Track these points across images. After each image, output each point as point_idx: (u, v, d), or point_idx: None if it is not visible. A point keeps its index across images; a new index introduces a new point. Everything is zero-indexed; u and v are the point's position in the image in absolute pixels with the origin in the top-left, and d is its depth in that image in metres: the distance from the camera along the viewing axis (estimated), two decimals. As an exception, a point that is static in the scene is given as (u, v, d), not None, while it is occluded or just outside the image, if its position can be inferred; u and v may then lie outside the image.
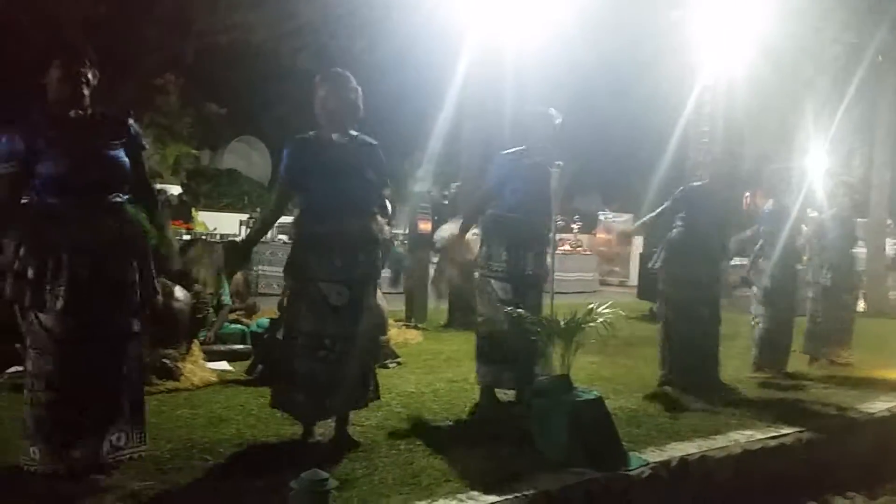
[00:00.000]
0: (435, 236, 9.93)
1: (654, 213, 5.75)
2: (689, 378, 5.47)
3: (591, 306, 4.05)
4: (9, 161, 3.09)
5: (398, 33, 14.17)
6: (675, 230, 5.74)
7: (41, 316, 3.04)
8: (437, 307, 8.76)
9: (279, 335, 5.03)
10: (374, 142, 3.88)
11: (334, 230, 3.67)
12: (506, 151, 4.79)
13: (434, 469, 3.56)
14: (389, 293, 8.20)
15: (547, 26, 9.38)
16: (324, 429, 3.95)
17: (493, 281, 4.65)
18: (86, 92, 3.15)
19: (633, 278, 16.44)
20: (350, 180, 3.71)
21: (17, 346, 5.07)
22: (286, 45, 17.98)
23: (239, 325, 6.35)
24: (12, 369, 5.05)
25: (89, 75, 3.15)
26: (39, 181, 3.08)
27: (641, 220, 5.78)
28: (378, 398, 4.10)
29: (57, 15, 15.89)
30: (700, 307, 5.59)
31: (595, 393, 4.04)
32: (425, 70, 13.23)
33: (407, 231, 10.36)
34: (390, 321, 6.95)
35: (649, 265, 5.90)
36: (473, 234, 4.96)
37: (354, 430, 4.07)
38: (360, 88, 3.80)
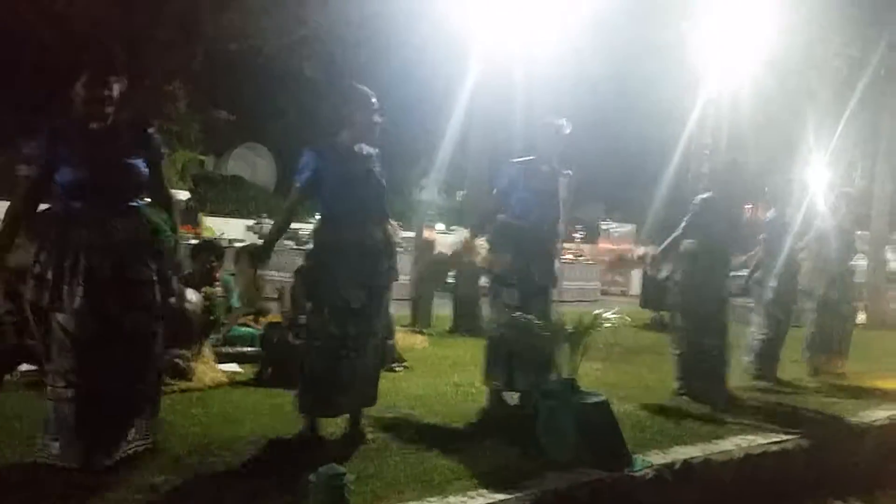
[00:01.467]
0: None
1: (675, 234, 5.78)
2: (701, 386, 5.57)
3: (597, 312, 4.14)
4: (32, 164, 3.21)
5: (406, 43, 14.33)
6: (686, 242, 5.81)
7: (59, 316, 3.15)
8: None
9: (291, 339, 5.18)
10: (377, 153, 4.07)
11: (357, 237, 3.82)
12: (515, 160, 4.89)
13: (444, 468, 3.65)
14: (394, 299, 8.28)
15: (554, 38, 9.53)
16: (333, 427, 4.06)
17: (501, 287, 4.75)
18: (112, 103, 3.26)
19: (635, 288, 16.52)
20: (370, 189, 3.92)
21: (31, 342, 5.20)
22: (294, 53, 18.14)
23: (248, 328, 6.44)
24: (24, 367, 5.16)
25: (116, 88, 3.27)
26: (60, 186, 3.20)
27: (663, 247, 5.79)
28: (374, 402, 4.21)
29: (69, 21, 16.08)
30: (714, 316, 5.69)
31: (601, 396, 4.13)
32: (432, 79, 13.38)
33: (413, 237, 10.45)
34: (396, 326, 7.02)
35: (660, 277, 5.96)
36: (481, 241, 5.04)
37: (366, 430, 4.16)
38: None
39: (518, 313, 4.52)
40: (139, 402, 3.34)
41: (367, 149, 4.01)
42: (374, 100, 3.97)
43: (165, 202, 3.53)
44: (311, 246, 4.12)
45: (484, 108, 9.36)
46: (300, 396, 3.95)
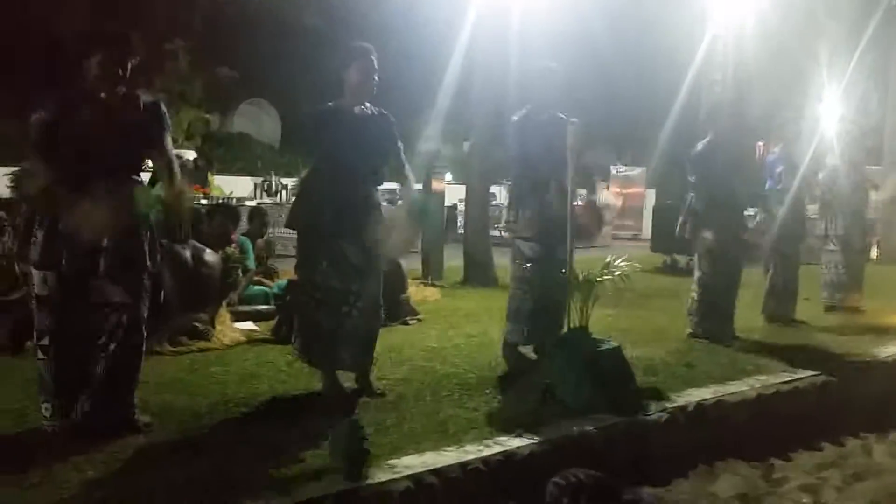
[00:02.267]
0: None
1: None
2: (712, 326, 5.63)
3: (607, 260, 4.15)
4: (41, 114, 3.19)
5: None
6: (692, 195, 5.83)
7: (44, 274, 3.19)
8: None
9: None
10: (387, 113, 4.06)
11: (352, 194, 3.83)
12: (514, 116, 4.86)
13: (460, 418, 3.72)
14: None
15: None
16: (348, 381, 4.13)
17: (519, 241, 4.74)
18: (123, 79, 3.24)
19: (646, 232, 16.50)
20: (367, 149, 3.91)
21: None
22: (292, 4, 17.90)
23: (262, 287, 6.51)
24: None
25: (129, 63, 3.25)
26: (60, 154, 3.17)
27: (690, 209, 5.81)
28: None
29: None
30: (732, 259, 5.74)
31: (613, 342, 4.17)
32: (431, 26, 13.17)
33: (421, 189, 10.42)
34: (408, 279, 7.06)
35: (676, 234, 5.98)
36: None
37: (381, 383, 4.24)
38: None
39: (531, 265, 4.53)
40: (125, 367, 3.32)
41: (369, 109, 3.99)
42: (373, 57, 3.93)
43: (167, 171, 3.39)
44: (299, 198, 4.13)
45: (484, 55, 9.23)
46: (307, 348, 3.99)
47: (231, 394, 4.01)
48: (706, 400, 4.22)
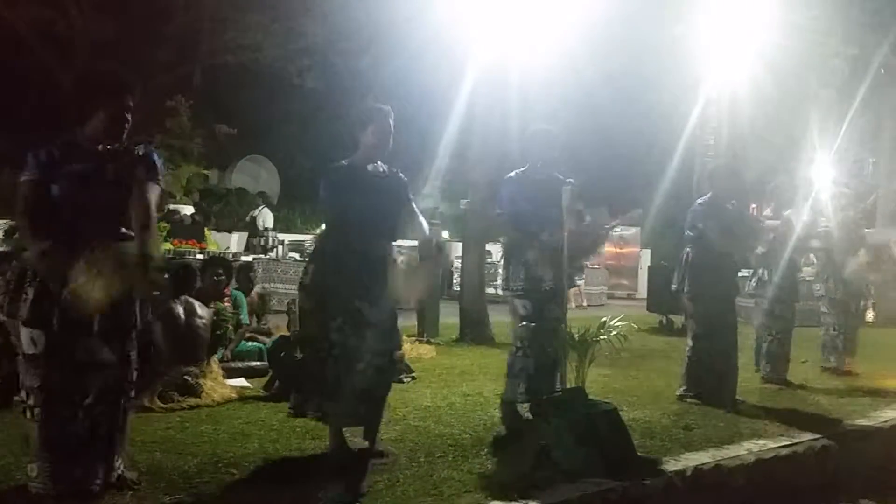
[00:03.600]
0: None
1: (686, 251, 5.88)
2: (709, 389, 5.58)
3: (603, 319, 4.14)
4: (31, 172, 3.14)
5: (404, 50, 14.38)
6: (688, 249, 5.85)
7: (33, 333, 3.10)
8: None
9: (298, 353, 5.19)
10: (401, 174, 4.10)
11: (367, 252, 3.83)
12: (511, 173, 4.93)
13: (454, 480, 3.64)
14: (400, 309, 8.29)
15: (552, 44, 9.54)
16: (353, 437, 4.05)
17: (514, 299, 4.75)
18: (124, 133, 3.22)
19: (641, 291, 16.52)
20: (382, 207, 3.91)
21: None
22: (294, 65, 18.24)
23: (255, 343, 6.45)
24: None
25: (131, 116, 3.23)
26: (54, 214, 3.11)
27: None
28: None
29: (68, 37, 16.20)
30: (724, 319, 5.71)
31: (610, 404, 4.12)
32: (432, 87, 13.40)
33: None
34: (403, 336, 7.03)
35: (672, 288, 5.99)
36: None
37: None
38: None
39: (529, 324, 4.52)
40: (102, 431, 3.21)
41: (381, 167, 4.03)
42: (391, 119, 3.98)
43: (142, 223, 3.20)
44: (315, 257, 4.12)
45: (483, 115, 9.38)
46: (318, 405, 4.00)
47: (221, 453, 3.93)
48: (704, 464, 4.15)
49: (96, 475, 3.18)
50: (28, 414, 3.15)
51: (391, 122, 3.99)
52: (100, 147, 3.23)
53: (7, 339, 5.44)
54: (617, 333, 4.15)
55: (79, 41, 16.56)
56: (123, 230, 3.22)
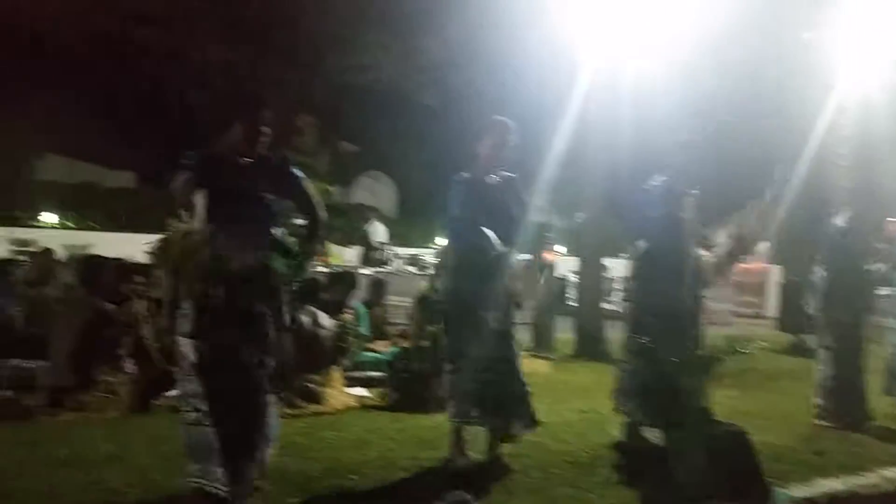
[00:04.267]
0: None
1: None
2: (841, 409, 5.29)
3: (730, 336, 3.99)
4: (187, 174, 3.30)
5: (517, 61, 14.38)
6: (817, 273, 5.60)
7: (184, 342, 3.21)
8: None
9: (421, 365, 5.33)
10: (516, 176, 4.20)
11: (490, 261, 3.89)
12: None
13: (570, 498, 3.61)
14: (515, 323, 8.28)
15: (668, 49, 9.28)
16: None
17: (636, 314, 4.60)
18: (263, 143, 3.35)
19: (769, 309, 15.75)
20: (501, 216, 4.05)
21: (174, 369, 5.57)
22: (411, 82, 18.66)
23: (374, 353, 6.62)
24: (171, 392, 5.52)
25: (271, 130, 3.36)
26: (201, 213, 3.24)
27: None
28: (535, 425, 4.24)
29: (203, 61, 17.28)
30: (856, 337, 5.41)
31: (736, 426, 3.96)
32: (545, 97, 13.34)
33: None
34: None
35: (806, 310, 5.73)
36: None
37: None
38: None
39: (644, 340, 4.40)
40: (252, 435, 3.28)
41: (500, 176, 4.12)
42: (507, 132, 4.10)
43: (313, 226, 3.52)
44: (441, 270, 4.23)
45: (598, 126, 9.24)
46: (463, 413, 4.07)
47: (342, 458, 4.07)
48: (839, 492, 3.91)
49: (245, 475, 3.23)
50: (189, 420, 3.19)
51: (508, 134, 4.08)
52: (242, 160, 3.34)
53: (144, 348, 5.88)
54: (746, 352, 3.98)
55: (212, 64, 17.66)
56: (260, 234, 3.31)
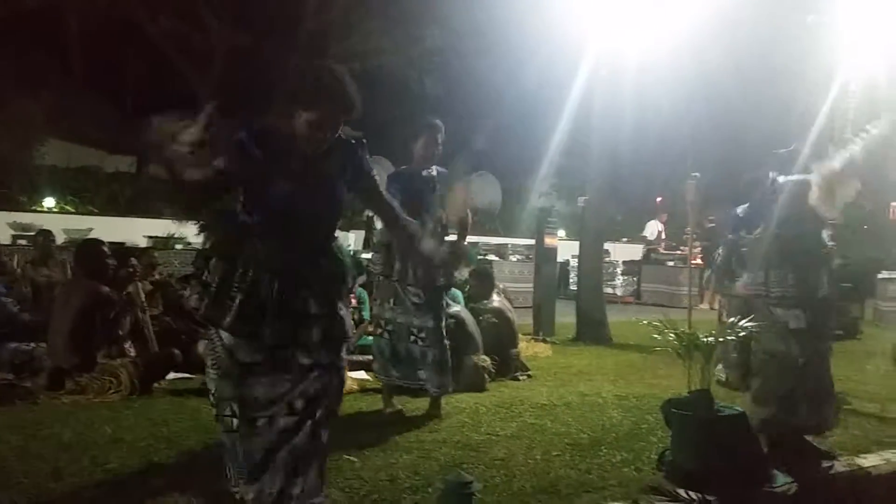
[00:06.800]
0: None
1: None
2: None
3: (731, 320, 3.97)
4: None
5: (521, 48, 14.30)
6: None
7: (225, 336, 2.72)
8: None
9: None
10: (446, 171, 4.98)
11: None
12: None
13: (571, 479, 3.60)
14: (517, 307, 8.28)
15: (674, 34, 9.19)
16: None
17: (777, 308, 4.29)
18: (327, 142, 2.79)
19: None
20: (428, 206, 4.79)
21: (176, 352, 5.58)
22: (414, 69, 18.61)
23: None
24: (173, 375, 5.54)
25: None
26: (256, 204, 2.72)
27: None
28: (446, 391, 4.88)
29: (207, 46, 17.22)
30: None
31: (737, 408, 3.95)
32: (549, 85, 13.28)
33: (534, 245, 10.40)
34: (519, 335, 7.00)
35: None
36: None
37: (489, 439, 4.24)
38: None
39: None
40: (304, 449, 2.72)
41: (432, 170, 4.87)
42: (439, 133, 4.84)
43: (392, 219, 3.09)
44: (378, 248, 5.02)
45: (603, 111, 9.19)
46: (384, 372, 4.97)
47: (346, 441, 4.05)
48: (839, 473, 3.92)
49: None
50: (225, 426, 2.74)
51: (440, 135, 4.83)
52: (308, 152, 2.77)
53: (142, 331, 5.87)
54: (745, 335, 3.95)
55: (217, 50, 17.61)
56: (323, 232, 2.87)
